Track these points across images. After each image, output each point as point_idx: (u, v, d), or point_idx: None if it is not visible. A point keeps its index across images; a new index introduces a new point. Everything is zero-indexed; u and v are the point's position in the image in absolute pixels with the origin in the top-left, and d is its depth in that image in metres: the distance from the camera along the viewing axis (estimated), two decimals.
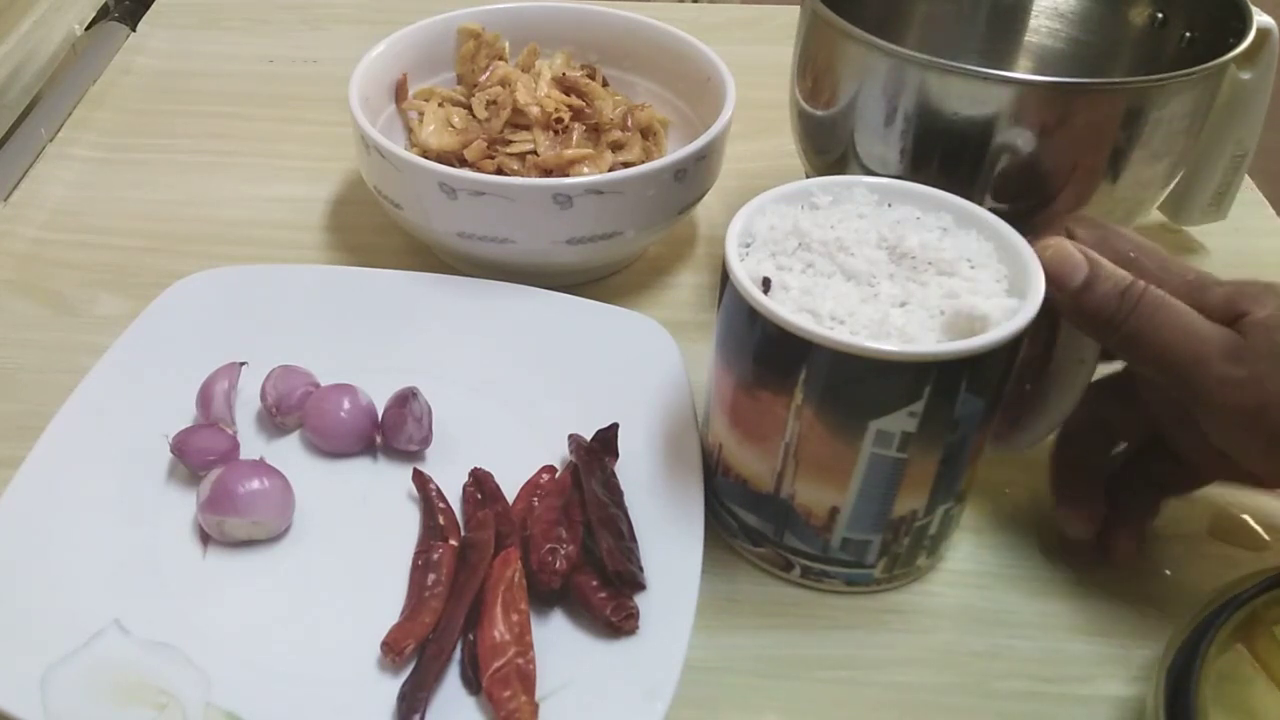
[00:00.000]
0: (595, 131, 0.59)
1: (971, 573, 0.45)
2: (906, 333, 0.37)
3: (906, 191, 0.43)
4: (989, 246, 0.41)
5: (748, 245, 0.41)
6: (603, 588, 0.41)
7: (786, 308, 0.38)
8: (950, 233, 0.41)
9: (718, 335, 0.42)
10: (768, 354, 0.39)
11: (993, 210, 0.42)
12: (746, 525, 0.44)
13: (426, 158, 0.55)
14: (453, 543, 0.43)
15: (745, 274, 0.39)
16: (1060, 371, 0.44)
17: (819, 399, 0.38)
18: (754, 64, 0.60)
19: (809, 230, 0.41)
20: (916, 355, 0.37)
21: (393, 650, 0.39)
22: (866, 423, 0.38)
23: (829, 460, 0.40)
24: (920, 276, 0.40)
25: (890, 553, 0.42)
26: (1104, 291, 0.39)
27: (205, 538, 0.44)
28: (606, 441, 0.46)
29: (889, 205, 0.43)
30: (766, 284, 0.39)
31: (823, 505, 0.41)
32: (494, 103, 0.60)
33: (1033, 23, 0.59)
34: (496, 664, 0.38)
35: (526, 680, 0.38)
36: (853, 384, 0.38)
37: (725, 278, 0.40)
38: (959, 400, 0.38)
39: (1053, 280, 0.39)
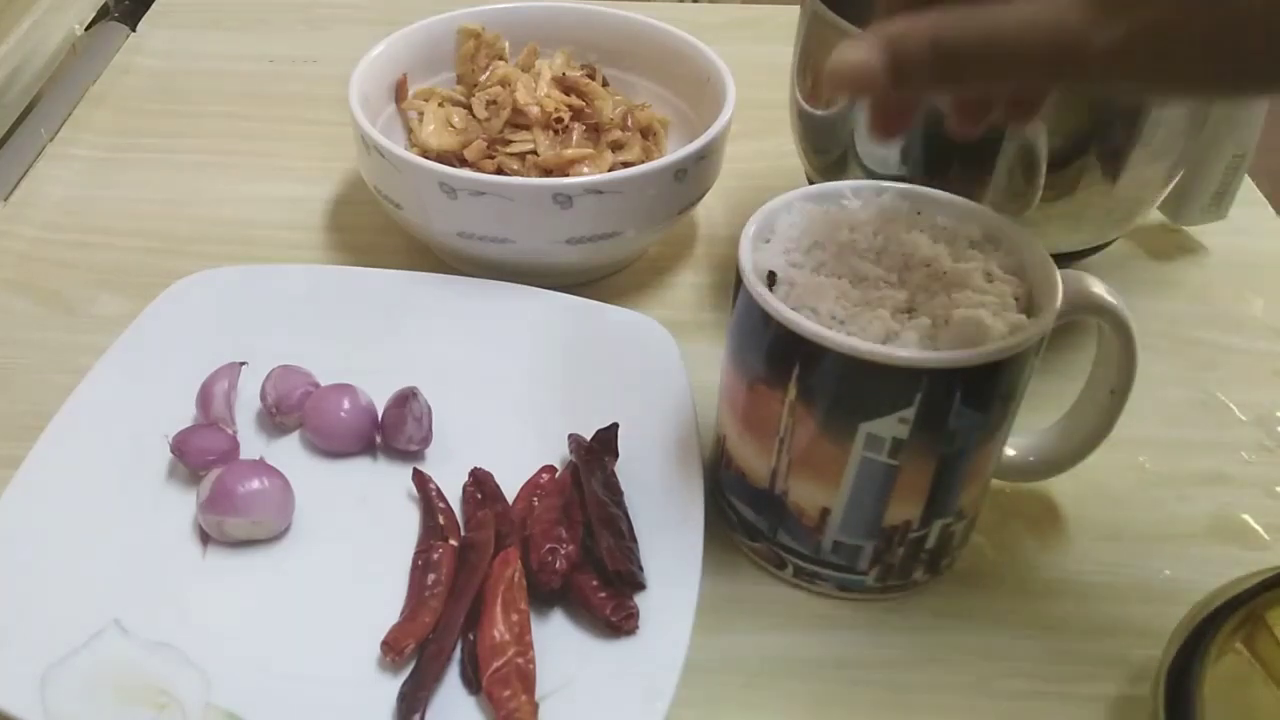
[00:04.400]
0: (595, 131, 0.59)
1: (971, 573, 0.45)
2: (903, 338, 0.37)
3: (938, 200, 0.43)
4: (1012, 262, 0.40)
5: (767, 240, 0.41)
6: (603, 588, 0.41)
7: (787, 303, 0.38)
8: (976, 245, 0.41)
9: (728, 326, 0.42)
10: (765, 347, 0.39)
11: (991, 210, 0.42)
12: (745, 520, 0.44)
13: (426, 158, 0.55)
14: (453, 543, 0.43)
15: (751, 266, 0.39)
16: (1090, 402, 0.43)
17: (811, 396, 0.38)
18: (754, 64, 0.60)
19: (827, 230, 0.41)
20: (903, 360, 0.36)
21: (393, 650, 0.39)
22: (857, 424, 0.38)
23: (820, 460, 0.40)
24: (931, 285, 0.39)
25: (884, 561, 0.42)
26: (916, 62, 0.30)
27: (205, 538, 0.44)
28: (606, 441, 0.46)
29: (918, 213, 0.42)
30: (771, 278, 0.39)
31: (814, 505, 0.41)
32: (494, 103, 0.60)
33: None
34: (496, 664, 0.38)
35: (526, 680, 0.38)
36: (842, 383, 0.38)
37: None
38: (953, 411, 0.37)
39: (855, 90, 0.30)
